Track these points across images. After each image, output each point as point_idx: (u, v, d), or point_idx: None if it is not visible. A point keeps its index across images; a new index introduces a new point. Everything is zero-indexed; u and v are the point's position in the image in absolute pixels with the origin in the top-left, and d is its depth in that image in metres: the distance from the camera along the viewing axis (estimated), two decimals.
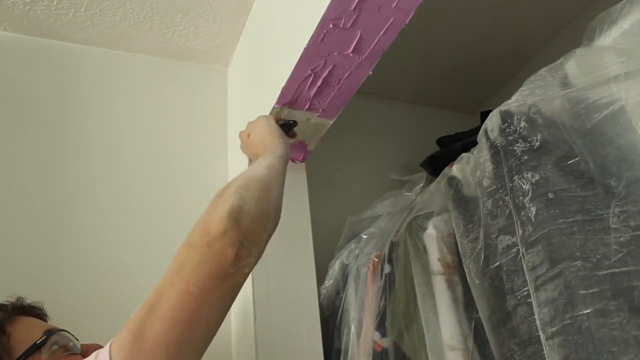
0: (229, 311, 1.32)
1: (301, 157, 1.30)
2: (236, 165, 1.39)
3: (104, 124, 1.39)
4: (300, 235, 1.22)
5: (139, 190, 1.34)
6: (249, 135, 1.06)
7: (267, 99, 1.15)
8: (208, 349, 1.26)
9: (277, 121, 1.06)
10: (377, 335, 1.09)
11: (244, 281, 0.70)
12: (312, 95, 1.09)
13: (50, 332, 0.79)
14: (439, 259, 0.97)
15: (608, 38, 0.82)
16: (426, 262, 0.99)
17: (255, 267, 1.13)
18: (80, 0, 1.32)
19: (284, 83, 1.05)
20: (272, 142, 0.96)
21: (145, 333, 0.61)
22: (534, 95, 0.83)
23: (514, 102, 0.84)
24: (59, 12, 1.35)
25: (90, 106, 1.39)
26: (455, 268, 0.95)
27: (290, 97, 1.09)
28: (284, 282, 1.15)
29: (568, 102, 0.76)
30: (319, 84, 1.06)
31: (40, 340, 0.77)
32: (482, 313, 0.82)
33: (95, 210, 1.27)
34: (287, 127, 1.10)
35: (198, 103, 1.53)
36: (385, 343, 1.06)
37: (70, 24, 1.39)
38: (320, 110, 1.14)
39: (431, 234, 1.00)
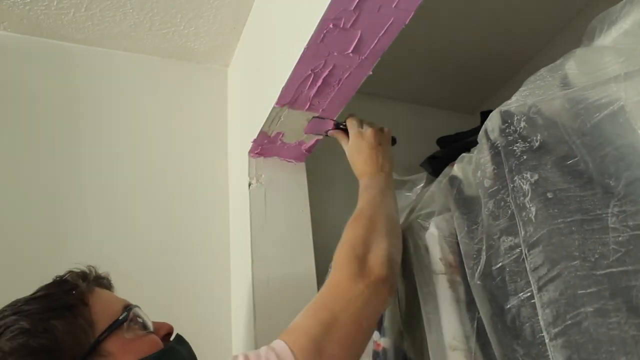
0: (230, 310, 1.33)
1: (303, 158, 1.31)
2: (236, 165, 1.39)
3: (104, 124, 1.39)
4: (300, 235, 1.22)
5: (139, 189, 1.34)
6: (380, 144, 1.09)
7: (267, 99, 1.15)
8: (208, 348, 1.25)
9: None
10: (377, 335, 1.09)
11: None
12: (312, 95, 1.09)
13: (129, 308, 0.76)
14: (440, 259, 0.97)
15: (608, 38, 0.82)
16: (428, 262, 0.99)
17: (256, 267, 1.15)
18: (80, 0, 1.32)
19: (284, 83, 1.05)
20: (389, 170, 1.06)
21: (325, 350, 0.69)
22: (534, 95, 0.82)
23: (514, 102, 0.84)
24: (59, 12, 1.35)
25: (90, 106, 1.40)
26: (457, 268, 0.95)
27: (290, 97, 1.09)
28: (284, 282, 1.15)
29: (568, 102, 0.76)
30: (319, 84, 1.06)
31: (123, 316, 0.74)
32: (484, 314, 0.82)
33: (95, 209, 1.28)
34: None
35: (198, 103, 1.53)
36: (385, 343, 1.06)
37: (70, 24, 1.39)
38: (320, 110, 1.14)
39: (433, 234, 1.00)
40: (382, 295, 0.79)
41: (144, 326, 0.77)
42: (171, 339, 0.81)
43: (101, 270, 0.84)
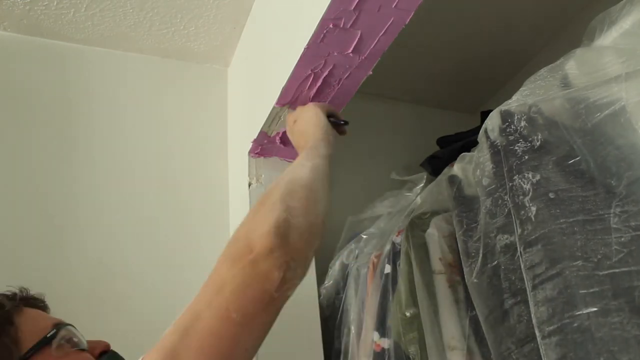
0: None
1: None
2: (236, 165, 1.39)
3: (104, 124, 1.39)
4: None
5: (139, 189, 1.34)
6: (295, 122, 0.98)
7: (267, 99, 1.15)
8: None
9: (328, 116, 0.97)
10: (376, 336, 1.09)
11: (284, 304, 0.63)
12: (312, 95, 1.09)
13: (59, 326, 0.75)
14: (440, 259, 0.97)
15: (608, 38, 0.82)
16: (427, 262, 0.99)
17: None
18: (80, 0, 1.32)
19: (284, 83, 1.05)
20: (315, 137, 0.88)
21: (179, 356, 0.55)
22: (535, 95, 0.83)
23: (514, 102, 0.84)
24: (59, 12, 1.34)
25: (90, 106, 1.40)
26: (457, 267, 0.95)
27: (290, 97, 1.09)
28: None
29: (568, 102, 0.76)
30: (319, 84, 1.06)
31: (51, 333, 0.73)
32: (480, 312, 0.82)
33: (96, 209, 1.28)
34: (336, 125, 1.01)
35: (198, 103, 1.53)
36: (385, 343, 1.06)
37: (70, 24, 1.39)
38: None
39: (432, 234, 1.00)
40: (265, 271, 0.58)
41: (77, 345, 0.76)
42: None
43: (35, 291, 0.84)
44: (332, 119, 0.98)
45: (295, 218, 0.64)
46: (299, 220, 0.64)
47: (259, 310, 0.59)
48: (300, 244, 0.63)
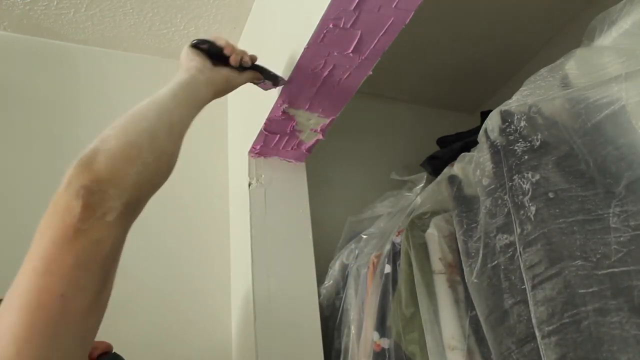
0: (229, 310, 1.32)
1: (303, 158, 1.31)
2: (236, 165, 1.39)
3: (103, 124, 1.38)
4: (300, 235, 1.22)
5: None
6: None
7: (267, 99, 1.15)
8: (208, 349, 1.25)
9: (198, 44, 0.88)
10: (376, 336, 1.09)
11: (116, 235, 0.55)
12: (312, 95, 1.09)
13: None
14: (440, 259, 0.97)
15: (608, 38, 0.82)
16: (427, 262, 0.99)
17: (256, 267, 1.14)
18: (80, 0, 1.32)
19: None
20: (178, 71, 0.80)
21: None
22: (535, 95, 0.83)
23: (514, 102, 0.84)
24: (59, 12, 1.35)
25: (90, 106, 1.40)
26: (457, 267, 0.95)
27: (290, 97, 1.09)
28: (284, 282, 1.15)
29: (568, 102, 0.77)
30: (319, 84, 1.06)
31: None
32: (480, 312, 0.82)
33: None
34: (215, 56, 0.89)
35: None
36: (385, 343, 1.06)
37: (70, 24, 1.39)
38: (320, 110, 1.14)
39: (432, 234, 1.00)
40: (63, 205, 0.53)
41: None
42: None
43: None
44: (204, 46, 0.88)
45: (105, 144, 0.58)
46: (110, 144, 0.58)
47: (63, 248, 0.50)
48: (109, 164, 0.56)
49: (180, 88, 0.77)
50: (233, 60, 0.89)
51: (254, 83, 0.99)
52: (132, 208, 0.59)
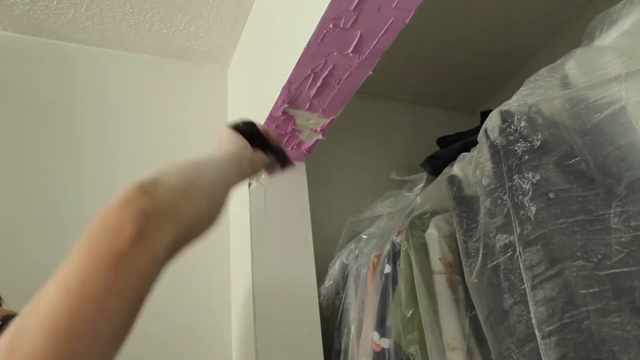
0: (229, 310, 1.32)
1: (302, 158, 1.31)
2: None
3: (104, 124, 1.39)
4: (300, 235, 1.22)
5: None
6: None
7: (267, 99, 1.15)
8: (208, 349, 1.25)
9: (241, 126, 0.90)
10: (376, 336, 1.09)
11: (157, 270, 0.51)
12: (312, 95, 1.09)
13: (6, 318, 0.72)
14: (440, 259, 0.97)
15: (608, 38, 0.82)
16: (427, 262, 0.99)
17: (255, 267, 1.14)
18: (80, 0, 1.32)
19: (284, 83, 1.05)
20: (224, 149, 0.83)
21: (19, 346, 0.45)
22: (535, 95, 0.83)
23: (514, 102, 0.84)
24: (59, 12, 1.34)
25: (90, 106, 1.40)
26: (457, 267, 0.95)
27: (290, 97, 1.09)
28: (284, 282, 1.15)
29: (568, 102, 0.77)
30: (319, 84, 1.06)
31: None
32: (480, 312, 0.82)
33: (95, 209, 1.27)
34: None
35: (198, 103, 1.53)
36: (385, 343, 1.06)
37: (70, 24, 1.39)
38: (320, 110, 1.14)
39: (432, 234, 1.00)
40: (115, 226, 0.49)
41: None
42: None
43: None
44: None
45: (166, 177, 0.55)
46: (172, 178, 0.56)
47: (105, 272, 0.46)
48: (169, 196, 0.53)
49: (234, 157, 0.78)
50: (273, 141, 0.92)
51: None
52: (177, 247, 0.55)
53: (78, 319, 0.45)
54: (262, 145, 0.91)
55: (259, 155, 0.89)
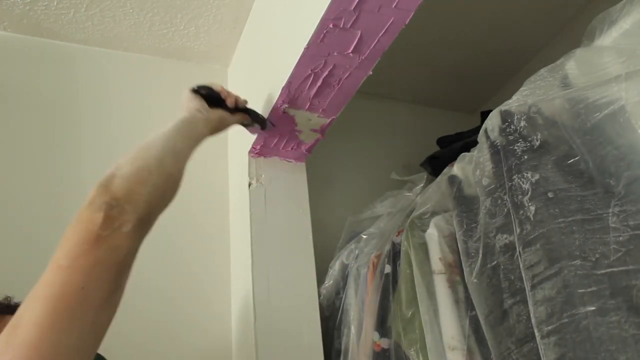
0: (229, 310, 1.32)
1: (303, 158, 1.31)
2: (236, 165, 1.39)
3: (104, 124, 1.39)
4: (300, 235, 1.22)
5: None
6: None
7: (267, 99, 1.15)
8: (208, 349, 1.25)
9: (197, 89, 1.01)
10: (376, 336, 1.09)
11: (131, 244, 0.66)
12: (312, 95, 1.09)
13: None
14: (440, 259, 0.97)
15: (608, 38, 0.82)
16: (427, 262, 0.99)
17: (255, 267, 1.14)
18: (80, 0, 1.32)
19: (284, 83, 1.05)
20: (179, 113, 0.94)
21: (21, 318, 0.56)
22: (534, 95, 0.83)
23: (514, 102, 0.84)
24: (59, 12, 1.35)
25: (90, 106, 1.40)
26: (457, 267, 0.95)
27: (290, 97, 1.09)
28: (284, 282, 1.15)
29: (568, 102, 0.77)
30: (319, 84, 1.06)
31: None
32: (480, 312, 0.82)
33: None
34: (212, 99, 1.02)
35: None
36: (385, 343, 1.06)
37: (70, 24, 1.39)
38: (320, 110, 1.14)
39: (432, 234, 1.00)
40: (87, 217, 0.63)
41: None
42: None
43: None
44: (203, 91, 1.02)
45: (120, 170, 0.70)
46: (124, 169, 0.70)
47: (86, 250, 0.60)
48: (124, 185, 0.67)
49: (182, 123, 0.89)
50: (229, 102, 1.04)
51: (244, 125, 1.11)
52: (145, 222, 0.69)
53: (69, 286, 0.57)
54: (226, 107, 1.02)
55: (218, 114, 1.00)
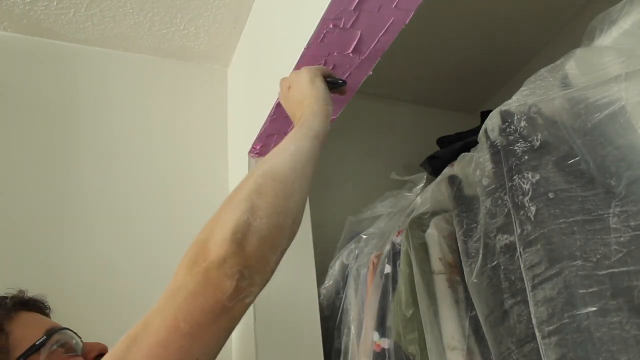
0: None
1: None
2: (236, 165, 1.39)
3: (104, 124, 1.39)
4: (300, 235, 1.22)
5: (139, 189, 1.34)
6: (289, 88, 0.90)
7: (267, 99, 1.15)
8: None
9: (325, 77, 0.90)
10: (376, 336, 1.09)
11: (244, 311, 0.61)
12: None
13: (51, 332, 0.74)
14: (440, 259, 0.97)
15: (608, 38, 0.82)
16: (427, 262, 0.99)
17: None
18: (80, 0, 1.32)
19: None
20: (312, 109, 0.80)
21: None
22: (535, 95, 0.83)
23: (514, 102, 0.84)
24: (59, 12, 1.34)
25: (90, 106, 1.40)
26: (457, 267, 0.95)
27: None
28: (284, 282, 1.15)
29: (568, 102, 0.77)
30: None
31: (40, 340, 0.72)
32: (480, 312, 0.82)
33: (95, 209, 1.27)
34: (334, 85, 0.94)
35: (198, 103, 1.53)
36: (385, 343, 1.06)
37: (70, 24, 1.39)
38: None
39: (432, 234, 1.00)
40: (217, 281, 0.56)
41: (71, 349, 0.76)
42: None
43: (38, 293, 0.83)
44: (329, 79, 0.92)
45: (257, 220, 0.62)
46: (262, 223, 0.62)
47: (210, 320, 0.56)
48: (259, 250, 0.61)
49: (320, 144, 0.79)
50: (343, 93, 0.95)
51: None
52: (263, 286, 0.64)
53: (184, 355, 0.54)
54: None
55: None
